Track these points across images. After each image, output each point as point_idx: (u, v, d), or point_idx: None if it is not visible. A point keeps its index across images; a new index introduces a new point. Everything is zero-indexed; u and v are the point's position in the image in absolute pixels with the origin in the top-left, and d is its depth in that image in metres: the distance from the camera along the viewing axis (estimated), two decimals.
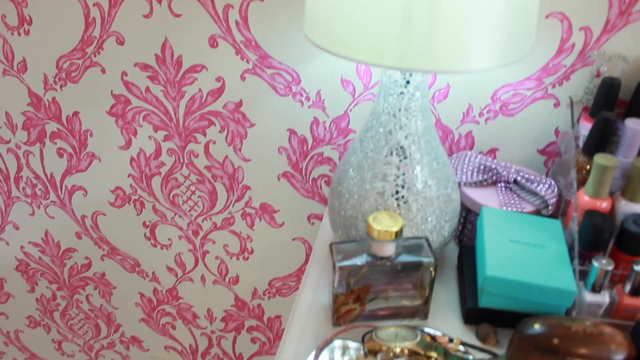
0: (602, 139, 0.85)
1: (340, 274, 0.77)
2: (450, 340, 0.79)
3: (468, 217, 0.93)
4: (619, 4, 0.86)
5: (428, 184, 0.81)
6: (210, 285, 1.32)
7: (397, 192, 0.81)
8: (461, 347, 0.78)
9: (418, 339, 0.74)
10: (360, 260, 0.77)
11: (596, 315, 0.80)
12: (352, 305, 0.81)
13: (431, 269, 0.78)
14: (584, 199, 0.84)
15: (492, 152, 1.01)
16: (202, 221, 1.21)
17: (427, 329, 0.80)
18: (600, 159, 0.81)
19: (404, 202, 0.81)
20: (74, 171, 1.22)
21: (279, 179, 1.12)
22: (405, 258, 0.78)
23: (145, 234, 1.28)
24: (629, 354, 0.72)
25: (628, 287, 0.78)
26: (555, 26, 0.89)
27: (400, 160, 0.80)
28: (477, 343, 0.80)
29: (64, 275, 1.45)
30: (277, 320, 1.35)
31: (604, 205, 0.83)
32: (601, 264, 0.77)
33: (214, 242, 1.24)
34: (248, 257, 1.24)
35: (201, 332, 1.44)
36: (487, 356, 0.78)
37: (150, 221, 1.25)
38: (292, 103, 1.03)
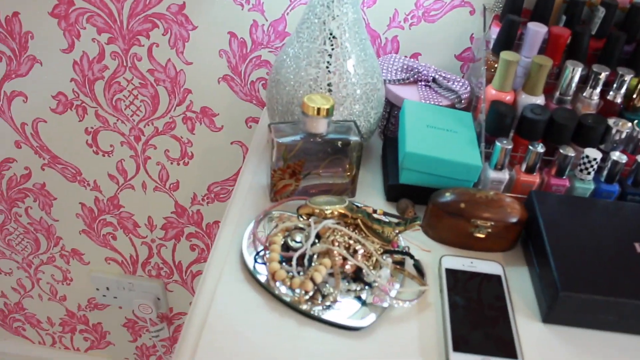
0: (508, 39, 0.97)
1: (278, 149, 0.86)
2: (374, 211, 0.89)
3: (392, 111, 1.03)
4: None
5: (357, 71, 0.90)
6: (151, 193, 1.38)
7: (329, 78, 0.89)
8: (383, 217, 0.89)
9: (346, 203, 0.84)
10: (295, 137, 0.86)
11: (498, 190, 0.93)
12: (288, 180, 0.90)
13: (358, 148, 0.88)
14: (491, 92, 0.95)
15: (415, 56, 1.11)
16: (144, 126, 1.26)
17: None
18: (505, 54, 0.92)
19: (336, 87, 0.90)
20: (13, 76, 1.24)
21: (219, 83, 1.18)
22: (335, 136, 0.87)
23: (87, 140, 1.32)
24: (521, 217, 0.85)
25: (524, 166, 0.91)
26: None
27: (333, 49, 0.88)
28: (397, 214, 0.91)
29: (1, 188, 1.47)
30: (216, 226, 1.43)
31: (507, 97, 0.95)
32: (502, 144, 0.89)
33: (155, 148, 1.30)
34: (188, 162, 1.31)
35: (141, 242, 1.50)
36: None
37: (92, 127, 1.29)
38: (233, 6, 1.08)
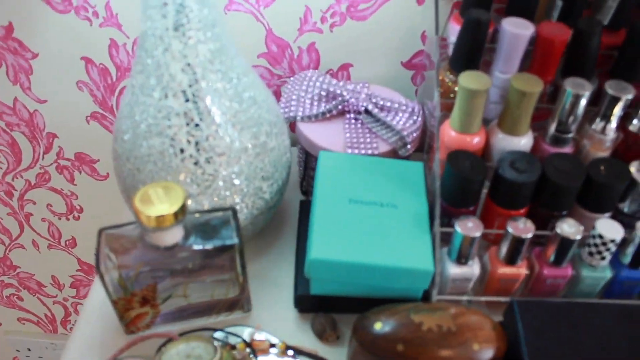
0: (473, 48, 0.62)
1: (111, 279, 0.54)
2: (272, 345, 0.58)
3: (308, 162, 0.70)
4: None
5: (228, 133, 0.57)
6: (46, 251, 1.09)
7: (182, 151, 0.56)
8: (289, 352, 0.58)
9: (216, 357, 0.53)
10: (132, 256, 0.54)
11: (464, 292, 0.61)
12: (140, 309, 0.59)
13: (236, 251, 0.56)
14: (449, 134, 0.61)
15: (345, 69, 0.76)
16: (12, 179, 0.96)
17: (246, 330, 0.60)
18: (466, 79, 0.57)
19: (194, 164, 0.57)
20: None
21: (88, 122, 0.86)
22: (199, 243, 0.55)
23: None
24: (497, 350, 0.53)
25: (502, 253, 0.58)
26: None
27: (181, 105, 0.55)
28: (310, 344, 0.60)
29: None
30: None
31: (475, 141, 0.61)
32: (466, 229, 0.56)
33: (34, 203, 0.99)
34: (79, 217, 1.00)
35: (53, 301, 1.21)
36: None
37: None
38: (78, 22, 0.75)
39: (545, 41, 0.60)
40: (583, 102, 0.58)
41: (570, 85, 0.58)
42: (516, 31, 0.60)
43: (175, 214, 0.52)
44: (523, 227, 0.56)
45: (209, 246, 0.55)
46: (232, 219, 0.57)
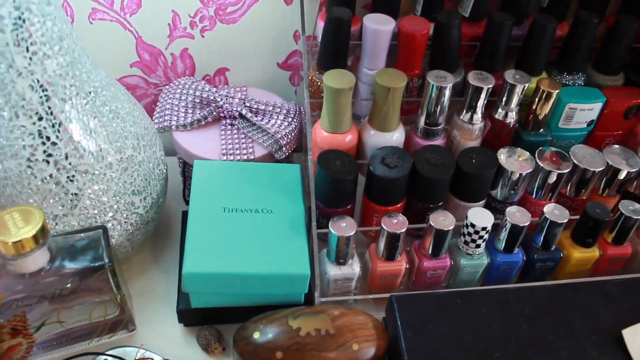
0: (337, 47, 0.62)
1: None
2: None
3: (187, 172, 0.68)
4: None
5: (89, 149, 0.55)
6: None
7: (41, 172, 0.54)
8: None
9: None
10: None
11: (348, 291, 0.61)
12: (12, 341, 0.56)
13: (108, 272, 0.54)
14: (321, 134, 0.61)
15: (222, 73, 0.75)
16: None
17: (130, 352, 0.57)
18: (330, 78, 0.58)
19: (56, 184, 0.54)
20: None
21: None
22: (66, 266, 0.53)
23: None
24: (378, 348, 0.54)
25: (381, 249, 0.59)
26: None
27: (34, 123, 0.52)
28: (197, 358, 0.59)
29: None
30: None
31: (347, 139, 0.61)
32: (340, 229, 0.56)
33: None
34: None
35: None
36: None
37: None
38: None
39: (406, 36, 0.61)
40: (447, 93, 0.60)
41: (433, 78, 0.59)
42: (377, 27, 0.60)
43: (35, 238, 0.49)
44: (397, 223, 0.57)
45: (76, 268, 0.53)
46: (102, 238, 0.55)
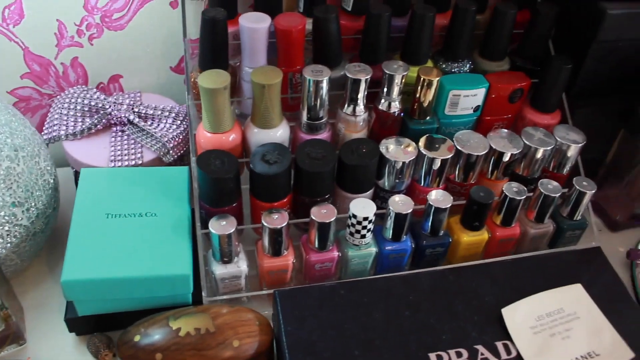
0: (215, 47, 0.63)
1: None
2: None
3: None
4: None
5: None
6: None
7: None
8: None
9: None
10: None
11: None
12: None
13: None
14: (204, 135, 0.62)
15: (116, 80, 0.75)
16: None
17: None
18: (204, 79, 0.58)
19: None
20: None
21: None
22: None
23: None
24: (260, 343, 0.55)
25: (266, 245, 0.60)
26: None
27: None
28: None
29: None
30: None
31: (231, 138, 0.62)
32: (219, 228, 0.57)
33: None
34: None
35: None
36: None
37: None
38: None
39: (282, 32, 0.62)
40: (324, 87, 0.61)
41: (309, 73, 0.60)
42: (252, 25, 0.61)
43: None
44: (277, 218, 0.58)
45: None
46: None
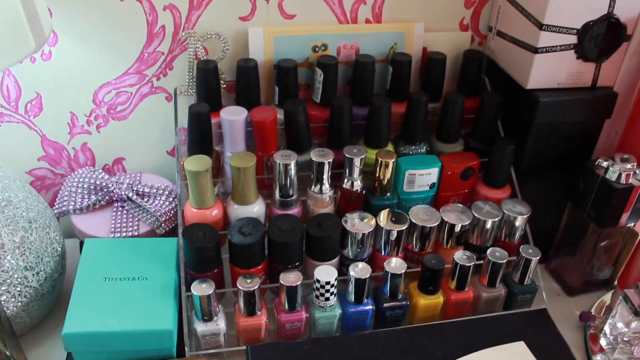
0: (200, 136, 0.75)
1: None
2: None
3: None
4: None
5: None
6: None
7: None
8: None
9: None
10: None
11: (218, 346, 0.71)
12: None
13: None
14: (191, 211, 0.73)
15: (119, 162, 0.88)
16: None
17: None
18: (189, 163, 0.70)
19: None
20: None
21: None
22: None
23: None
24: None
25: (241, 306, 0.69)
26: (136, 9, 0.76)
27: None
28: None
29: None
30: None
31: (214, 213, 0.73)
32: (200, 290, 0.67)
33: None
34: None
35: None
36: None
37: None
38: None
39: (257, 124, 0.74)
40: (292, 170, 0.72)
41: (279, 157, 0.71)
42: (231, 118, 0.73)
43: None
44: (250, 282, 0.68)
45: None
46: None
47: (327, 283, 0.69)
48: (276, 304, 0.72)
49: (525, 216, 0.77)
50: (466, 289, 0.75)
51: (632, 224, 0.79)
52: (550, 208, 0.84)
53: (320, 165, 0.73)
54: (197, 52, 0.78)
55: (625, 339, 0.73)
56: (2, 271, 0.68)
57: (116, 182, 0.80)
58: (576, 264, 0.84)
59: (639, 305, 0.70)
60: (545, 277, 0.89)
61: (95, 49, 0.78)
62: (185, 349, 0.69)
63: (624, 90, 0.79)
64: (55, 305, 0.78)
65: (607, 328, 0.75)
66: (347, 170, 0.75)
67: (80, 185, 0.80)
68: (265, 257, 0.73)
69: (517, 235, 0.79)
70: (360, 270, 0.70)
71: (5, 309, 0.69)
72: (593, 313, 0.81)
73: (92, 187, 0.80)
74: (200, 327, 0.69)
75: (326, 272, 0.69)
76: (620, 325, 0.73)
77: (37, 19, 0.62)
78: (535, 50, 0.74)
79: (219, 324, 0.69)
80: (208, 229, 0.70)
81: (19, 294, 0.70)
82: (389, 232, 0.73)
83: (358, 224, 0.73)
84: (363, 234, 0.72)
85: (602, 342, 0.75)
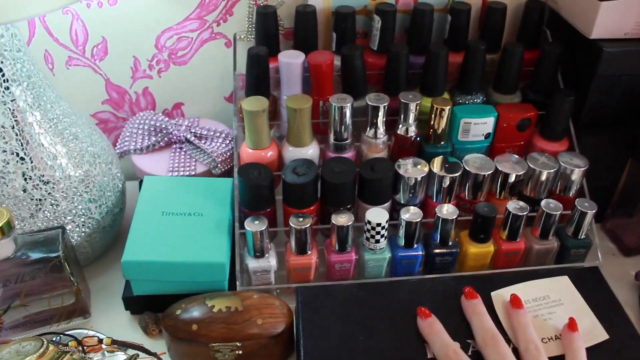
0: (259, 78, 0.77)
1: None
2: (100, 341, 0.70)
3: None
4: None
5: (50, 164, 0.70)
6: None
7: (11, 181, 0.69)
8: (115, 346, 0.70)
9: (41, 350, 0.64)
10: None
11: (269, 282, 0.74)
12: None
13: (69, 260, 0.69)
14: (247, 152, 0.76)
15: (178, 107, 0.91)
16: None
17: (78, 331, 0.71)
18: (247, 103, 0.72)
19: (23, 191, 0.70)
20: None
21: None
22: (30, 255, 0.68)
23: None
24: (280, 323, 0.66)
25: (293, 245, 0.72)
26: None
27: (6, 142, 0.68)
28: (138, 338, 0.72)
29: None
30: None
31: (269, 154, 0.75)
32: (253, 226, 0.69)
33: None
34: None
35: None
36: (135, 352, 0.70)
37: None
38: None
39: (314, 67, 0.76)
40: (347, 112, 0.73)
41: (335, 100, 0.73)
42: (289, 60, 0.75)
43: (2, 230, 0.64)
44: (302, 221, 0.70)
45: (35, 258, 0.68)
46: (61, 236, 0.70)
47: (378, 225, 0.70)
48: (327, 245, 0.74)
49: (583, 169, 0.76)
50: (518, 240, 0.75)
51: None
52: (610, 164, 0.82)
53: (375, 109, 0.74)
54: None
55: None
56: (68, 201, 0.72)
57: (175, 124, 0.83)
58: (634, 224, 0.83)
59: None
60: (602, 236, 0.88)
61: None
62: (237, 283, 0.71)
63: None
64: (115, 240, 0.83)
65: None
66: (402, 116, 0.76)
67: (141, 126, 0.84)
68: (318, 198, 0.75)
69: (573, 189, 0.78)
70: (411, 214, 0.71)
71: (70, 237, 0.74)
72: None
73: (152, 129, 0.83)
74: (252, 263, 0.71)
75: (377, 214, 0.70)
76: None
77: None
78: None
79: (270, 260, 0.72)
80: (263, 168, 0.73)
81: (83, 225, 0.74)
82: (441, 178, 0.74)
83: (411, 169, 0.74)
84: (415, 180, 0.73)
85: None
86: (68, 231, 0.73)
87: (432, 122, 0.77)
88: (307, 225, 0.70)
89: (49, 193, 0.71)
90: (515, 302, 0.65)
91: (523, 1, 0.83)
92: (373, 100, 0.74)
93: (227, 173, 0.81)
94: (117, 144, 0.84)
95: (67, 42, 0.84)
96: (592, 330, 0.64)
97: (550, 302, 0.67)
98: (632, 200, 0.83)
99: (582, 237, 0.76)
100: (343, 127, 0.74)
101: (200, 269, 0.69)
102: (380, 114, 0.74)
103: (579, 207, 0.74)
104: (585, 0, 0.76)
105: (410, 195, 0.75)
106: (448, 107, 0.75)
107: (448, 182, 0.74)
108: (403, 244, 0.73)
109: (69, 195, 0.72)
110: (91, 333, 0.71)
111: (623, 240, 0.85)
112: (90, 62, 0.86)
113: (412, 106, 0.74)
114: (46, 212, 0.71)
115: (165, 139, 0.82)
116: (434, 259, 0.74)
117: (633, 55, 0.75)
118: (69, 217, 0.73)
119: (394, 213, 0.77)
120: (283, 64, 0.76)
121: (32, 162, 0.69)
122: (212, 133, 0.82)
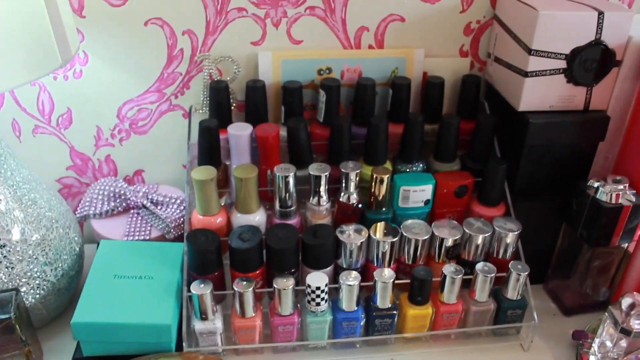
0: (209, 149, 0.82)
1: None
2: None
3: None
4: (214, 4, 0.83)
5: (8, 228, 0.75)
6: None
7: None
8: None
9: None
10: None
11: (214, 344, 0.77)
12: None
13: (14, 323, 0.72)
14: (197, 218, 0.80)
15: (139, 174, 0.96)
16: None
17: None
18: (196, 173, 0.78)
19: None
20: None
21: None
22: None
23: None
24: None
25: (237, 307, 0.76)
26: (157, 33, 0.85)
27: None
28: None
29: None
30: None
31: (218, 220, 0.80)
32: (198, 289, 0.74)
33: None
34: None
35: None
36: None
37: None
38: None
39: (261, 139, 0.81)
40: (291, 182, 0.78)
41: (279, 170, 0.78)
42: (237, 133, 0.81)
43: None
44: (245, 284, 0.74)
45: None
46: (14, 298, 0.74)
47: (318, 288, 0.74)
48: (271, 308, 0.78)
49: (516, 233, 0.81)
50: (455, 302, 0.79)
51: (625, 244, 0.82)
52: (546, 228, 0.87)
53: (317, 178, 0.79)
54: (211, 73, 0.87)
55: (614, 356, 0.75)
56: (23, 264, 0.76)
57: (133, 190, 0.88)
58: (572, 285, 0.87)
59: (622, 321, 0.73)
60: (544, 297, 0.92)
61: (121, 69, 0.87)
62: (183, 344, 0.75)
63: (617, 114, 0.83)
64: (72, 301, 0.86)
65: (595, 346, 0.78)
66: (344, 184, 0.81)
67: (101, 192, 0.89)
68: (264, 263, 0.79)
69: (508, 252, 0.82)
70: (350, 278, 0.75)
71: (24, 299, 0.77)
72: (585, 332, 0.84)
73: (111, 195, 0.89)
74: (198, 325, 0.75)
75: (318, 278, 0.75)
76: (608, 343, 0.76)
77: (65, 37, 0.71)
78: (525, 74, 0.79)
79: (216, 323, 0.76)
80: (210, 234, 0.77)
81: (38, 287, 0.78)
82: (381, 243, 0.78)
83: (353, 235, 0.79)
84: (355, 245, 0.78)
85: None
86: (22, 293, 0.77)
87: (372, 190, 0.82)
88: (249, 289, 0.74)
89: (5, 256, 0.75)
90: None
91: (461, 75, 0.90)
92: (315, 170, 0.79)
93: (180, 238, 0.86)
94: (77, 208, 0.88)
95: (34, 112, 0.89)
96: None
97: None
98: (568, 263, 0.87)
99: (517, 298, 0.80)
100: (287, 195, 0.79)
101: (147, 330, 0.73)
102: (323, 182, 0.79)
103: (512, 270, 0.78)
104: (512, 75, 0.83)
105: (352, 259, 0.79)
106: (387, 176, 0.80)
107: (387, 247, 0.79)
108: (344, 307, 0.77)
109: (25, 258, 0.76)
110: None
111: (563, 301, 0.89)
112: (55, 131, 0.91)
113: (352, 175, 0.80)
114: (1, 274, 0.75)
115: (124, 204, 0.87)
116: (374, 321, 0.78)
117: (558, 126, 0.81)
118: (23, 280, 0.77)
119: (336, 276, 0.81)
120: (232, 136, 0.81)
121: None
122: (167, 199, 0.87)
